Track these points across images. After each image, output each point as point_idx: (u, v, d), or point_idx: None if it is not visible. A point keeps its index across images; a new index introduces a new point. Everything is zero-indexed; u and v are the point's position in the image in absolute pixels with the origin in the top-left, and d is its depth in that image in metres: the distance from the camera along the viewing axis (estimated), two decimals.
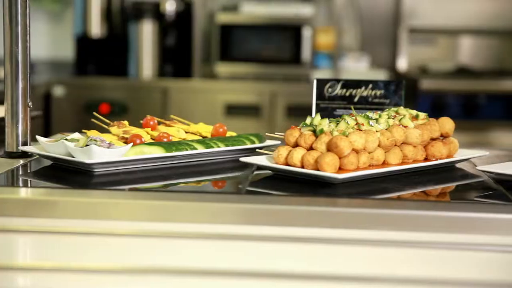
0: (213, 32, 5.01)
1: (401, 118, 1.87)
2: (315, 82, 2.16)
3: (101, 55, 4.98)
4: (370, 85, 2.14)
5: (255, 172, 1.80)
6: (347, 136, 1.71)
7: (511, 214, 1.47)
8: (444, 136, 1.93)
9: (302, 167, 1.70)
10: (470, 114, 4.73)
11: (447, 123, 1.92)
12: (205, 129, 2.01)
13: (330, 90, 2.16)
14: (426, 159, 1.87)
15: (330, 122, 1.77)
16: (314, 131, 1.75)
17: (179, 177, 1.78)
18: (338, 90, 2.15)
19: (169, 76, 4.94)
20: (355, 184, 1.68)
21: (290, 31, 4.93)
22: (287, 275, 1.50)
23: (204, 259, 1.51)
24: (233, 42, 4.95)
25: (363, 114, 1.84)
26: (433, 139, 1.89)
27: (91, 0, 4.91)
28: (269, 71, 4.93)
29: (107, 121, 1.95)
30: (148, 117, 1.98)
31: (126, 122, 1.93)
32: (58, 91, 4.73)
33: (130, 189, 1.62)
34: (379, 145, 1.77)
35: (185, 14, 4.93)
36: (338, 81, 2.15)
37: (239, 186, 1.67)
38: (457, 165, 1.94)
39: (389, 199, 1.60)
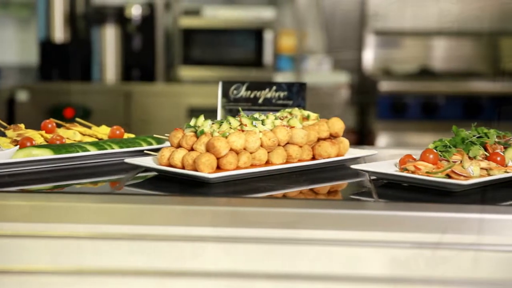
0: (176, 36, 5.05)
1: (289, 119, 1.90)
2: (220, 84, 2.20)
3: (65, 60, 5.03)
4: (274, 87, 2.17)
5: (142, 174, 1.83)
6: (226, 137, 1.74)
7: (363, 210, 1.50)
8: (334, 136, 1.96)
9: (183, 167, 1.74)
10: (429, 114, 4.75)
11: (336, 123, 1.95)
12: (103, 132, 2.04)
13: (235, 92, 2.19)
14: (313, 159, 1.89)
15: (213, 123, 1.81)
16: (196, 132, 1.79)
17: (65, 179, 1.81)
18: (243, 92, 2.19)
19: (133, 80, 4.98)
20: (234, 184, 1.71)
21: (252, 34, 4.97)
22: (157, 273, 1.53)
23: (80, 258, 1.54)
24: (195, 46, 4.99)
25: (250, 115, 1.87)
26: (322, 139, 1.92)
27: (55, 5, 4.95)
28: (232, 74, 4.96)
29: (5, 124, 1.99)
30: (47, 120, 2.01)
31: (22, 125, 1.96)
32: (22, 96, 4.78)
33: (3, 192, 1.65)
34: (261, 145, 1.80)
35: (149, 19, 4.98)
36: (243, 83, 2.19)
37: (115, 187, 1.71)
38: (350, 165, 1.96)
39: (256, 198, 1.63)
